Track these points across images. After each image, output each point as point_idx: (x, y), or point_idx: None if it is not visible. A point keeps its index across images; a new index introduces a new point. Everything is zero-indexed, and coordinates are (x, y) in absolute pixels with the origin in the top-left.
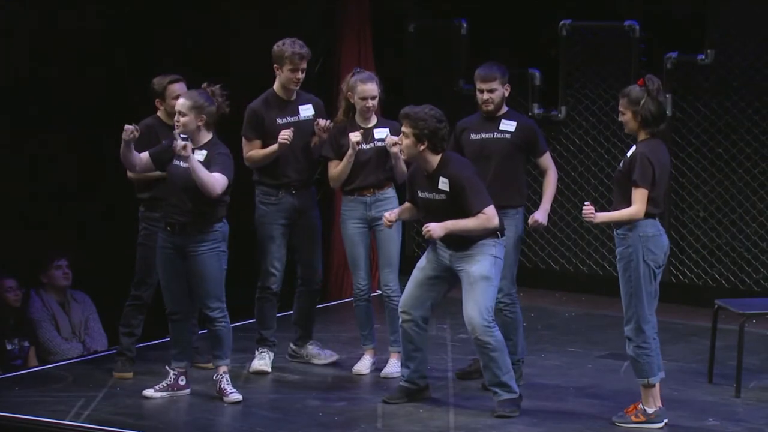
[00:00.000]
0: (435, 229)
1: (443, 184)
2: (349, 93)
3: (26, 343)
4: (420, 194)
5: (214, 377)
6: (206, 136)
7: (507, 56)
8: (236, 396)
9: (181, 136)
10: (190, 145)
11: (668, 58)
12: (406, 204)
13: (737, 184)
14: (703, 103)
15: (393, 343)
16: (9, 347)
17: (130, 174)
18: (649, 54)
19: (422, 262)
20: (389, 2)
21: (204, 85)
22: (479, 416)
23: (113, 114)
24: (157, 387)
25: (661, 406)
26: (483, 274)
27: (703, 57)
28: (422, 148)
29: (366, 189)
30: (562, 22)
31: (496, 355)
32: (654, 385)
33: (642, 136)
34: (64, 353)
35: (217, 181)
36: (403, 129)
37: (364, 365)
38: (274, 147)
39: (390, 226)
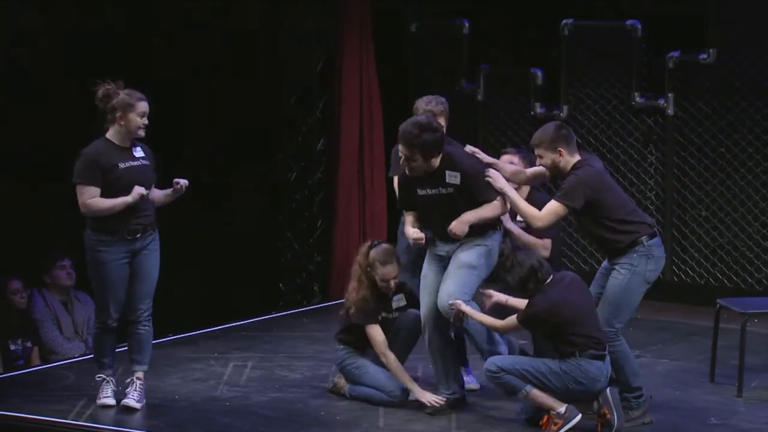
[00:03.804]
0: (458, 226)
1: (452, 177)
2: (368, 268)
3: (29, 344)
4: (420, 191)
5: (128, 381)
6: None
7: (508, 55)
8: (135, 403)
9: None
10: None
11: (670, 57)
12: (409, 216)
13: (739, 184)
14: (705, 102)
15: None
16: (12, 347)
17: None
18: (651, 53)
19: (427, 270)
20: (391, 1)
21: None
22: (481, 416)
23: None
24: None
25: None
26: (470, 263)
27: (705, 56)
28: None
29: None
30: (564, 22)
31: (471, 331)
32: (531, 391)
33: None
34: (66, 353)
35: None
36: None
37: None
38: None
39: (421, 243)
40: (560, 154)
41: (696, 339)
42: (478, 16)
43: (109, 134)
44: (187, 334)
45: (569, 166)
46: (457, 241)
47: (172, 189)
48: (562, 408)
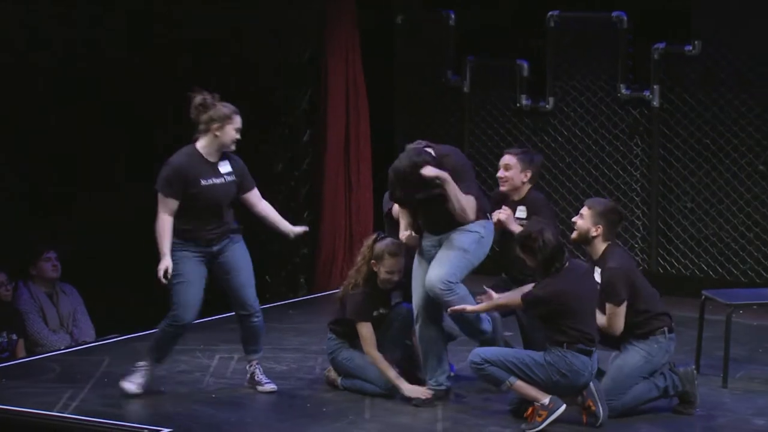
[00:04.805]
0: (430, 170)
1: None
2: (373, 261)
3: (14, 336)
4: (416, 195)
5: (248, 367)
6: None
7: (494, 47)
8: (271, 386)
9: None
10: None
11: (656, 49)
12: (404, 220)
13: (724, 175)
14: (690, 94)
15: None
16: None
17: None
18: (637, 45)
19: (417, 262)
20: None
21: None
22: (467, 408)
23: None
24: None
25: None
26: (462, 246)
27: (691, 48)
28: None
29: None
30: (549, 13)
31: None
32: (515, 382)
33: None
34: (51, 345)
35: None
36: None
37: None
38: None
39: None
40: (597, 230)
41: (681, 330)
42: (464, 7)
43: (200, 145)
44: None
45: (600, 250)
46: (444, 230)
47: (289, 228)
48: (546, 399)
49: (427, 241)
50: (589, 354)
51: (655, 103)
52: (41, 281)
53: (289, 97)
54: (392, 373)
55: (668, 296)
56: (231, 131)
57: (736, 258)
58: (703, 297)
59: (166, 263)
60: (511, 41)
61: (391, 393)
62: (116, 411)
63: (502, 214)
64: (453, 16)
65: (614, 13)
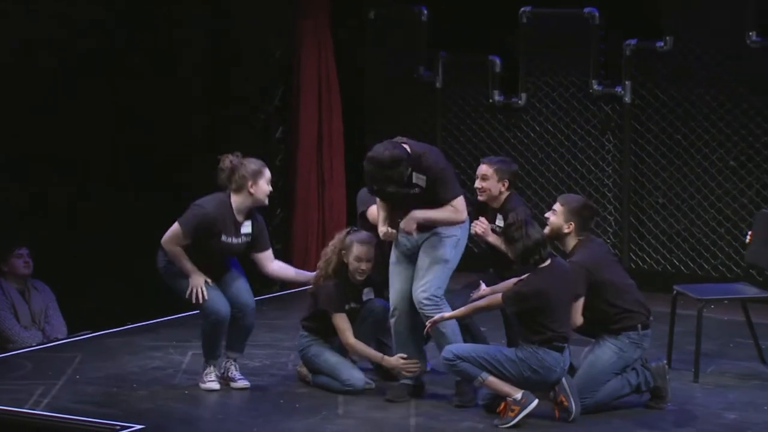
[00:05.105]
0: (407, 224)
1: (419, 179)
2: (342, 251)
3: None
4: (388, 188)
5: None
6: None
7: (467, 43)
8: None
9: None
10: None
11: (627, 45)
12: (382, 213)
13: (695, 171)
14: (662, 89)
15: None
16: None
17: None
18: (608, 41)
19: (394, 257)
20: None
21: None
22: (440, 404)
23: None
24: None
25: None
26: (442, 257)
27: (662, 44)
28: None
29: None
30: (522, 9)
31: (445, 330)
32: (487, 378)
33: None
34: (23, 341)
35: None
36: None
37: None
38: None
39: (391, 238)
40: (569, 226)
41: (653, 325)
42: (437, 3)
43: (234, 200)
44: (147, 323)
45: (571, 245)
46: (422, 230)
47: (308, 276)
48: (518, 394)
49: (403, 237)
50: (560, 350)
51: (626, 99)
52: (13, 278)
53: (262, 94)
54: (376, 354)
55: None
56: (264, 186)
57: (707, 253)
58: (675, 292)
59: (201, 276)
60: (484, 37)
61: (355, 391)
62: (88, 408)
63: (479, 227)
64: (425, 11)
65: (586, 10)
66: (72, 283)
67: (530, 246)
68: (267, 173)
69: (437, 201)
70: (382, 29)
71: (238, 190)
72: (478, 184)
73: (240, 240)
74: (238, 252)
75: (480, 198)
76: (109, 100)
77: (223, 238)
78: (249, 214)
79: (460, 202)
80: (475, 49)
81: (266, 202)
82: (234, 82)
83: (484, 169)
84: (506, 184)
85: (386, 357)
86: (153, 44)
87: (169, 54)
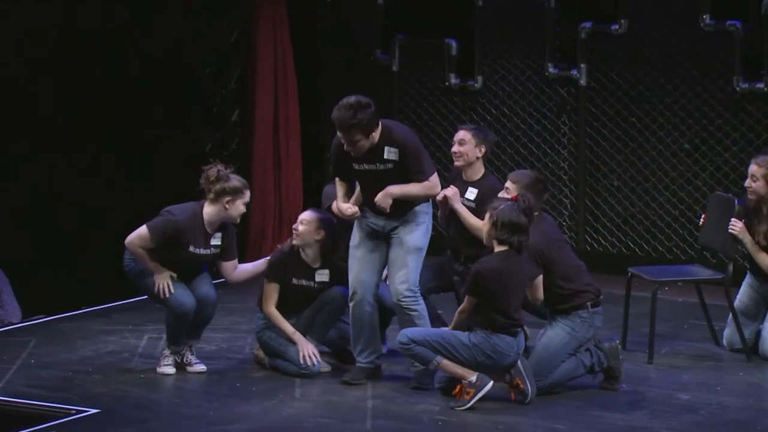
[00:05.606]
0: (383, 199)
1: (390, 153)
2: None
3: None
4: (356, 167)
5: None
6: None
7: (423, 26)
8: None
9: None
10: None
11: (582, 28)
12: (340, 190)
13: (650, 153)
14: (617, 72)
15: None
16: None
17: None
18: (564, 24)
19: (356, 240)
20: None
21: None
22: (397, 387)
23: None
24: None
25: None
26: (417, 245)
27: (617, 27)
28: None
29: None
30: None
31: (420, 323)
32: (442, 361)
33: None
34: None
35: None
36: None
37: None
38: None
39: (357, 217)
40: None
41: (608, 307)
42: None
43: (206, 211)
44: (100, 307)
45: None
46: (390, 216)
47: (262, 266)
48: (473, 377)
49: (371, 218)
50: (514, 335)
51: (582, 82)
52: None
53: (218, 77)
54: (289, 328)
55: (595, 273)
56: (240, 206)
57: (662, 235)
58: (629, 274)
59: (165, 272)
60: (440, 20)
61: (310, 374)
62: (43, 393)
63: (449, 190)
64: None
65: None
66: (26, 267)
67: (517, 224)
68: (247, 195)
69: (410, 177)
70: (339, 12)
71: (215, 201)
72: (455, 149)
73: (209, 251)
74: (206, 262)
75: (457, 163)
76: (66, 75)
77: (191, 249)
78: (221, 227)
79: (435, 177)
80: (432, 33)
81: (238, 221)
82: (190, 65)
83: (461, 134)
84: (483, 150)
85: (298, 334)
86: (107, 29)
87: (125, 38)
